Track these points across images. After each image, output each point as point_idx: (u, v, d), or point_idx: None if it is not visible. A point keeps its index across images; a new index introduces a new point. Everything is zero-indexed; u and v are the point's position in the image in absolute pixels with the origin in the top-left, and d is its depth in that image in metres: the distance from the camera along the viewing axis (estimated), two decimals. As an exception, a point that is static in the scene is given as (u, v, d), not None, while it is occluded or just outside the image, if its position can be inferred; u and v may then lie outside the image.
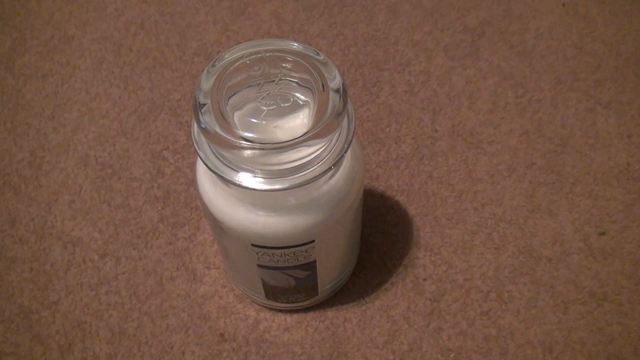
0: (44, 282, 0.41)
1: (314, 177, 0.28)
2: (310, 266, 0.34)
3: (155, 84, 0.51)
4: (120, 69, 0.52)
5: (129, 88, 0.51)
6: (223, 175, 0.28)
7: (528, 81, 0.50)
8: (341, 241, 0.36)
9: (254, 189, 0.28)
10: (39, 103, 0.50)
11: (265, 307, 0.40)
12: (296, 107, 0.29)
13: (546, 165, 0.45)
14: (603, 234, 0.42)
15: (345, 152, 0.29)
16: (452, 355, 0.38)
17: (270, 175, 0.28)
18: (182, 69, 0.52)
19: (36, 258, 0.42)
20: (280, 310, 0.39)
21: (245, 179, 0.28)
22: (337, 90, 0.29)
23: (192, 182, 0.45)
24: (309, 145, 0.27)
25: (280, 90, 0.29)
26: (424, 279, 0.40)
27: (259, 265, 0.34)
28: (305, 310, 0.39)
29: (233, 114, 0.28)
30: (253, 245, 0.32)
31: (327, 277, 0.37)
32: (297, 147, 0.27)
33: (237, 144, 0.27)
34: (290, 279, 0.35)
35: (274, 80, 0.29)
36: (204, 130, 0.28)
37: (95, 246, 0.42)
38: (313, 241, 0.32)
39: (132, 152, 0.47)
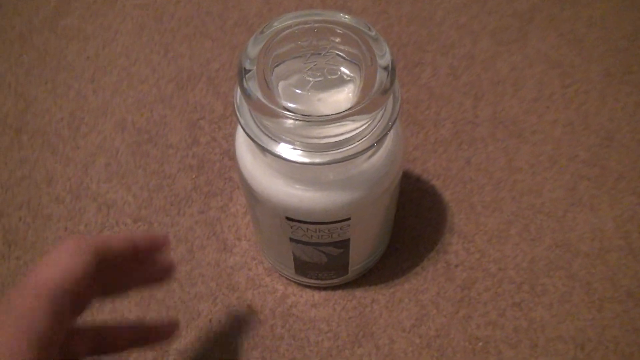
0: (77, 242, 0.41)
1: (355, 154, 0.28)
2: (344, 244, 0.34)
3: (194, 52, 0.51)
4: (161, 36, 0.52)
5: (168, 55, 0.51)
6: (263, 145, 0.28)
7: (576, 71, 0.49)
8: (376, 221, 0.35)
9: (293, 161, 0.28)
10: (80, 65, 0.51)
11: (294, 282, 0.39)
12: (341, 81, 0.28)
13: (590, 158, 0.44)
14: (645, 233, 0.41)
15: (389, 131, 0.29)
16: (480, 344, 0.37)
17: (310, 149, 0.28)
18: (222, 38, 0.52)
19: (71, 217, 0.42)
20: (308, 286, 0.39)
21: (285, 150, 0.28)
22: (385, 68, 0.28)
23: (227, 153, 0.45)
24: (352, 121, 0.27)
25: (327, 63, 0.29)
26: (456, 266, 0.40)
27: (292, 240, 0.33)
28: (334, 288, 0.39)
29: (277, 84, 0.28)
30: (287, 218, 0.31)
31: (359, 257, 0.37)
32: (340, 122, 0.26)
33: (279, 113, 0.26)
34: (323, 255, 0.35)
35: (322, 53, 0.29)
36: (247, 97, 0.27)
37: (129, 210, 0.43)
38: (349, 219, 0.31)
39: (169, 119, 0.47)
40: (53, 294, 0.24)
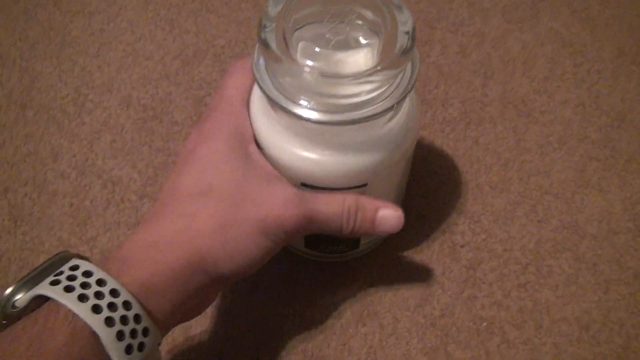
0: (83, 218, 0.41)
1: (374, 115, 0.27)
2: None
3: (200, 28, 0.50)
4: (166, 11, 0.52)
5: (174, 31, 0.50)
6: (279, 103, 0.28)
7: (588, 50, 0.48)
8: (391, 188, 0.35)
9: (311, 119, 0.27)
10: (85, 40, 0.50)
11: (302, 258, 0.39)
12: (361, 45, 0.28)
13: (600, 139, 0.43)
14: (654, 215, 0.40)
15: (409, 93, 0.29)
16: (485, 324, 0.37)
17: (329, 109, 0.27)
18: (228, 15, 0.51)
19: (76, 194, 0.42)
20: (315, 262, 0.39)
21: (303, 109, 0.27)
22: (407, 32, 0.28)
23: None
24: (372, 81, 0.27)
25: (348, 29, 0.29)
26: (462, 246, 0.40)
27: None
28: (340, 266, 0.39)
29: (297, 44, 0.28)
30: (303, 184, 0.31)
31: None
32: (360, 79, 0.26)
33: (298, 65, 0.27)
34: None
35: (343, 20, 0.29)
36: (265, 47, 0.27)
37: (135, 187, 0.42)
38: (365, 184, 0.31)
39: (174, 96, 0.47)
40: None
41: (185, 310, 0.29)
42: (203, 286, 0.28)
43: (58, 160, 0.44)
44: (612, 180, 0.42)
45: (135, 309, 0.25)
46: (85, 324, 0.23)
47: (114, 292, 0.24)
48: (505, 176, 0.42)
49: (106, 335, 0.23)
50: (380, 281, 0.39)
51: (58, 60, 0.49)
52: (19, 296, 0.24)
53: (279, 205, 0.28)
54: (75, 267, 0.25)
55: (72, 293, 0.24)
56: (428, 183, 0.42)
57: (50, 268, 0.26)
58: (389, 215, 0.31)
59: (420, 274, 0.39)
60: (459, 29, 0.50)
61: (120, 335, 0.24)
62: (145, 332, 0.25)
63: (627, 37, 0.48)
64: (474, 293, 0.38)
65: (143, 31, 0.51)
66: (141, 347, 0.25)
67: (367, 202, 0.31)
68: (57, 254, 0.27)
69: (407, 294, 0.38)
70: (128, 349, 0.24)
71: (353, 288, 0.38)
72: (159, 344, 0.27)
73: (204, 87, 0.47)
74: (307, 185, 0.31)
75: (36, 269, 0.26)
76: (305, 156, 0.30)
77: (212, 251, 0.28)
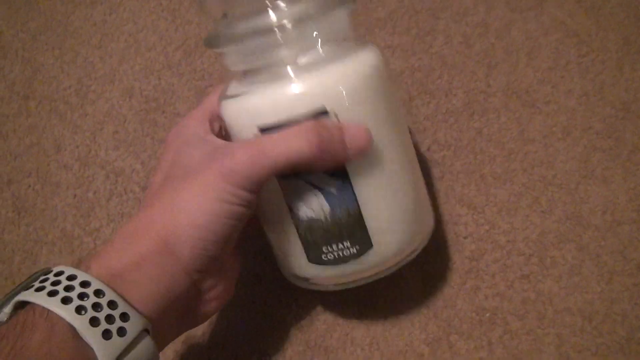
0: (86, 209, 0.41)
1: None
2: (342, 175, 0.30)
3: (202, 19, 0.50)
4: (168, 1, 0.51)
5: (176, 21, 0.50)
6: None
7: (593, 40, 0.47)
8: (379, 155, 0.30)
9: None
10: (87, 31, 0.50)
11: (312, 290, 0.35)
12: None
13: (604, 130, 0.43)
14: (658, 206, 0.40)
15: None
16: (487, 315, 0.37)
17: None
18: (230, 5, 0.51)
19: (79, 185, 0.42)
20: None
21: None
22: None
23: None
24: None
25: None
26: (465, 237, 0.40)
27: (287, 202, 0.31)
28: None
29: None
30: (261, 130, 0.29)
31: (377, 215, 0.31)
32: None
33: None
34: (323, 200, 0.30)
35: None
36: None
37: (137, 178, 0.42)
38: (326, 112, 0.29)
39: (177, 87, 0.47)
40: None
41: (174, 309, 0.28)
42: (176, 274, 0.28)
43: (61, 152, 0.44)
44: (616, 170, 0.42)
45: (109, 295, 0.25)
46: (60, 317, 0.24)
47: (85, 284, 0.25)
48: (508, 167, 0.42)
49: (80, 323, 0.24)
50: (383, 272, 0.39)
51: (60, 51, 0.49)
52: (5, 309, 0.26)
53: (231, 154, 0.28)
54: (48, 271, 0.26)
55: (42, 292, 0.25)
56: (431, 174, 0.42)
57: (27, 281, 0.27)
58: (356, 129, 0.29)
59: (422, 265, 0.39)
60: (463, 18, 0.49)
61: (94, 321, 0.25)
62: (124, 317, 0.25)
63: (632, 27, 0.48)
64: (477, 284, 0.38)
65: (145, 22, 0.50)
66: (122, 332, 0.25)
67: (328, 122, 0.29)
68: (37, 271, 0.28)
69: (409, 285, 0.38)
70: (106, 334, 0.25)
71: (356, 279, 0.38)
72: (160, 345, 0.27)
73: (206, 78, 0.47)
74: (265, 130, 0.29)
75: (18, 285, 0.27)
76: (257, 93, 0.30)
77: (177, 230, 0.28)
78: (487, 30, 0.48)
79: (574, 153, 0.42)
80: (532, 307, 0.37)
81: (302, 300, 0.38)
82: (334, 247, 0.31)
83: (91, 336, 0.24)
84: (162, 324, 0.28)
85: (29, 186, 0.42)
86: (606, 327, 0.36)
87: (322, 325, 0.37)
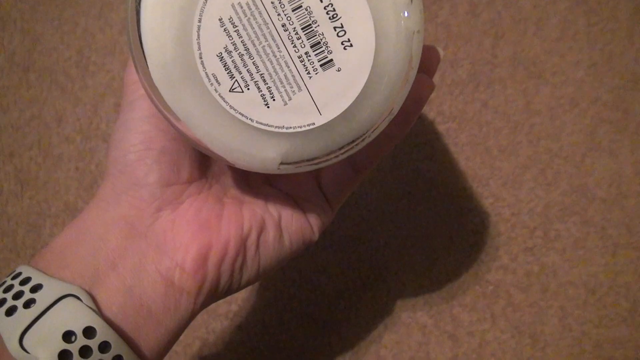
0: (88, 182, 0.41)
1: None
2: None
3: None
4: (168, -30, 0.50)
5: (176, -9, 0.49)
6: None
7: (603, 8, 0.46)
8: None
9: None
10: (86, 1, 0.49)
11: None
12: None
13: (612, 101, 0.42)
14: (665, 178, 0.40)
15: None
16: (491, 288, 0.37)
17: None
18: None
19: (82, 157, 0.42)
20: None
21: None
22: None
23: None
24: None
25: None
26: (469, 210, 0.39)
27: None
28: (343, 233, 0.39)
29: None
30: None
31: None
32: None
33: None
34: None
35: None
36: None
37: (140, 151, 0.42)
38: None
39: (178, 58, 0.46)
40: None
41: (141, 301, 0.23)
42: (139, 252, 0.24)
43: (62, 124, 0.43)
44: (624, 143, 0.41)
45: (27, 272, 0.22)
46: None
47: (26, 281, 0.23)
48: (514, 139, 0.42)
49: None
50: (387, 246, 0.39)
51: (59, 21, 0.48)
52: None
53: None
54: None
55: None
56: (435, 146, 0.42)
57: None
58: None
59: (427, 239, 0.39)
60: (470, -13, 0.48)
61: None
62: (35, 289, 0.22)
63: (643, -5, 0.47)
64: (481, 257, 0.38)
65: (145, -9, 0.49)
66: (28, 304, 0.21)
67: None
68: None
69: (413, 259, 0.38)
70: (9, 312, 0.21)
71: (360, 251, 0.38)
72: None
73: (208, 48, 0.46)
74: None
75: None
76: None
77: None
78: (495, -1, 0.47)
79: (581, 125, 0.42)
80: (536, 280, 0.37)
81: (306, 274, 0.38)
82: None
83: None
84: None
85: (31, 159, 0.42)
86: (610, 300, 0.36)
87: (325, 299, 0.37)
